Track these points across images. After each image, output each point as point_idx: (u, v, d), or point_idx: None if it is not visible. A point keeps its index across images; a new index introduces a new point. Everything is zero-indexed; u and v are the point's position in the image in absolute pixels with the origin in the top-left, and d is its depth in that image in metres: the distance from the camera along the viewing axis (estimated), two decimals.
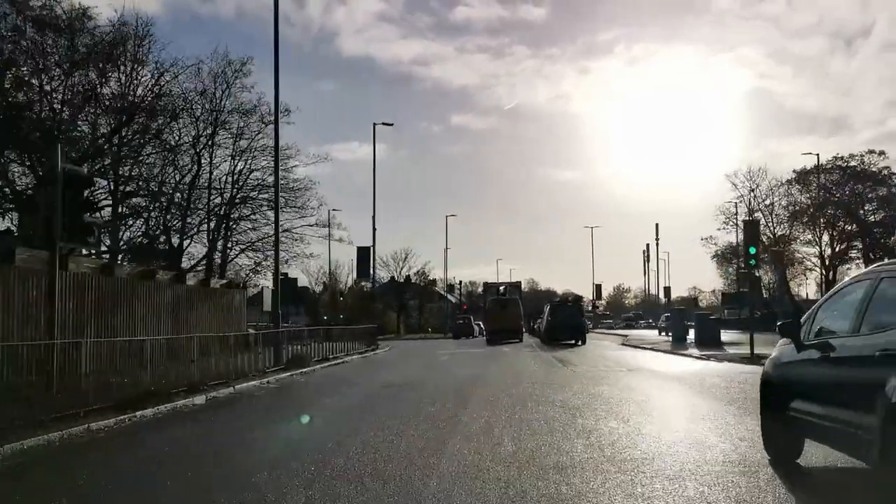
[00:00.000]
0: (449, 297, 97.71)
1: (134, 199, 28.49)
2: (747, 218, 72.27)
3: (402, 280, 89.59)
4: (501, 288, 47.28)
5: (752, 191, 70.28)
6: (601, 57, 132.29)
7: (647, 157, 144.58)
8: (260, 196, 32.43)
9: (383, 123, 46.73)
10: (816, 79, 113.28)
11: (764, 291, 72.70)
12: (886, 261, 6.41)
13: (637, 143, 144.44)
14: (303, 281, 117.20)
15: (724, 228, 72.11)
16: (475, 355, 30.19)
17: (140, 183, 27.01)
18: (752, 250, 23.30)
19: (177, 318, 22.35)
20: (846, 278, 7.60)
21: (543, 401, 12.37)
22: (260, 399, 14.71)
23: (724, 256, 75.92)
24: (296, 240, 33.03)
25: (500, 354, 30.31)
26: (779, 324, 7.17)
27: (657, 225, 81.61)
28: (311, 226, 33.36)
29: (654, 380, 16.89)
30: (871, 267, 6.41)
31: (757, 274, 71.73)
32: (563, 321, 38.80)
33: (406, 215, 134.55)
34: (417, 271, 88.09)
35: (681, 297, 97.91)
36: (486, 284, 49.87)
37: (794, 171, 62.36)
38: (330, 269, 76.02)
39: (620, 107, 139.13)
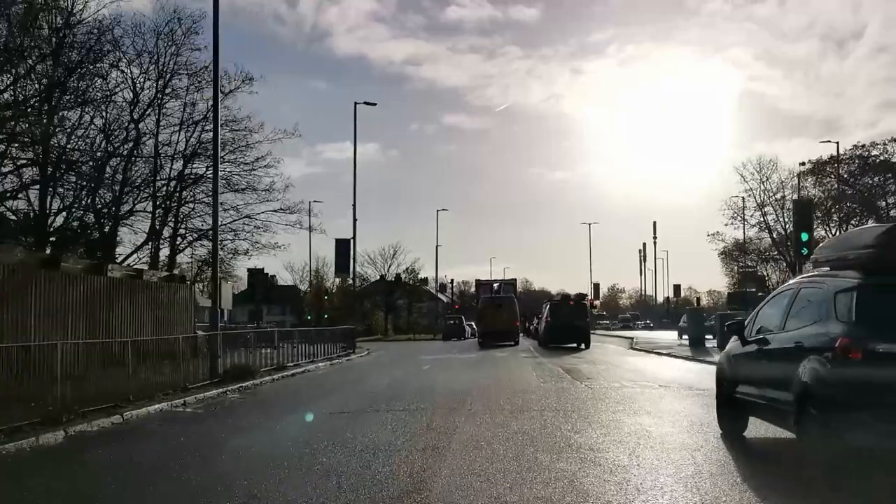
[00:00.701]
0: (441, 296, 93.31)
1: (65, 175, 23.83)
2: (758, 210, 68.78)
3: (392, 279, 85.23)
4: (495, 285, 42.64)
5: (763, 182, 66.36)
6: (594, 57, 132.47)
7: (639, 159, 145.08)
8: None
9: (365, 103, 42.41)
10: (808, 81, 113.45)
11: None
12: (806, 274, 8.12)
13: (629, 144, 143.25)
14: (286, 278, 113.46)
15: (731, 224, 68.19)
16: (464, 362, 25.83)
17: (64, 156, 22.40)
18: (805, 237, 18.93)
19: (92, 318, 17.84)
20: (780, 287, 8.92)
21: (565, 448, 7.98)
22: (150, 435, 10.24)
23: (730, 254, 71.93)
24: (258, 227, 28.49)
25: (494, 361, 25.96)
26: (727, 324, 9.31)
27: (655, 223, 77.39)
28: (276, 211, 28.76)
29: (709, 403, 11.04)
30: (795, 278, 8.40)
31: (761, 272, 68.01)
32: (566, 322, 34.40)
33: (397, 215, 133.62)
34: (407, 269, 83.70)
35: (677, 298, 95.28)
36: (478, 282, 45.01)
37: (808, 160, 58.11)
38: (311, 266, 71.33)
39: (613, 108, 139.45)
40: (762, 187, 66.57)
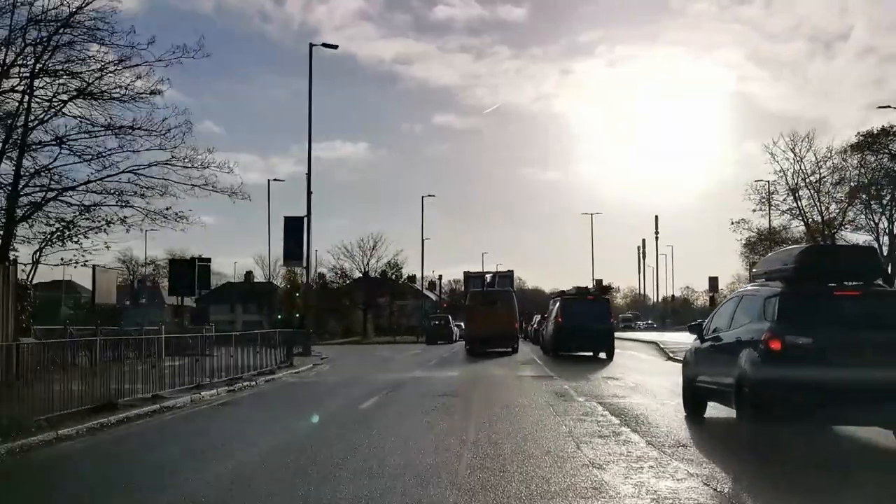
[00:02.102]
0: (430, 294, 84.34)
1: None
2: (791, 194, 59.93)
3: (376, 275, 76.34)
4: (488, 276, 33.48)
5: (797, 162, 57.43)
6: (583, 58, 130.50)
7: (631, 159, 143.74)
8: (73, 112, 18.71)
9: (323, 45, 33.37)
10: (796, 82, 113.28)
11: None
12: (749, 285, 11.42)
13: (621, 144, 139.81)
14: (259, 274, 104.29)
15: (759, 210, 59.26)
16: (441, 384, 17.01)
17: None
18: None
19: None
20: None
21: None
22: None
23: (755, 246, 62.80)
24: (148, 188, 19.20)
25: (486, 383, 17.20)
26: (688, 325, 12.13)
27: (657, 217, 68.65)
28: (170, 163, 19.31)
29: None
30: (739, 289, 12.28)
31: None
32: (583, 323, 25.48)
33: (389, 214, 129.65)
34: (389, 262, 74.57)
35: (673, 297, 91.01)
36: (467, 275, 35.48)
37: (858, 133, 49.30)
38: (269, 257, 62.23)
39: (603, 108, 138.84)
40: (795, 168, 57.96)
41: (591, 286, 30.59)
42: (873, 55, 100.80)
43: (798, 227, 59.89)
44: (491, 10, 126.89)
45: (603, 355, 26.25)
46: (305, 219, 32.61)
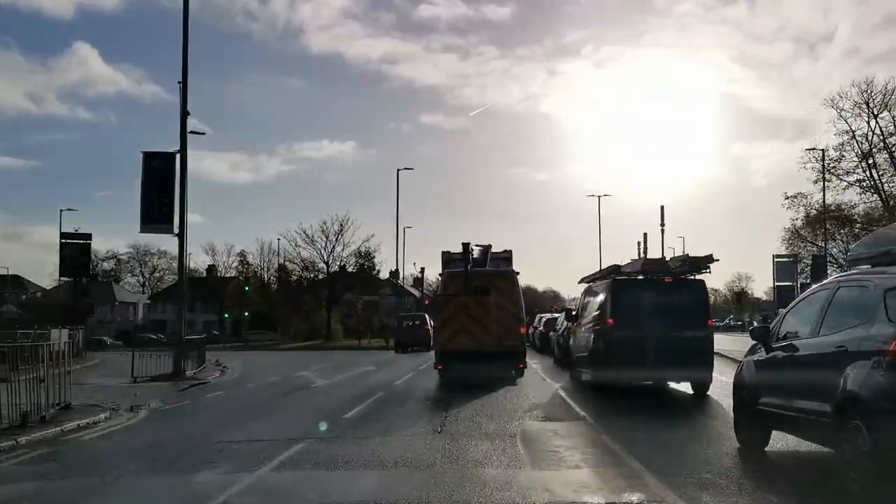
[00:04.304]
0: (414, 291, 71.75)
1: None
2: (862, 161, 47.40)
3: (343, 265, 63.81)
4: (475, 250, 20.28)
5: (871, 119, 44.90)
6: (569, 58, 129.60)
7: (620, 159, 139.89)
8: None
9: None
10: (782, 83, 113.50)
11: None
12: (843, 272, 7.52)
13: (610, 145, 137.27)
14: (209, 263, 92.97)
15: (828, 181, 46.53)
16: None
17: None
18: None
19: None
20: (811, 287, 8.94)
21: None
22: None
23: (813, 223, 50.11)
24: None
25: None
26: (750, 329, 9.67)
27: (662, 207, 57.66)
28: None
29: None
30: (830, 277, 8.39)
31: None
32: (662, 329, 13.07)
33: (376, 214, 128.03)
34: (358, 250, 61.82)
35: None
36: (446, 256, 22.13)
37: None
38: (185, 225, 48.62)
39: (590, 109, 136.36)
40: (869, 128, 45.41)
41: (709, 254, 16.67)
42: (858, 56, 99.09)
43: (869, 202, 47.63)
44: (475, 10, 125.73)
45: (686, 387, 13.78)
46: (178, 156, 19.85)
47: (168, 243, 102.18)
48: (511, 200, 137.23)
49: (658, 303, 13.70)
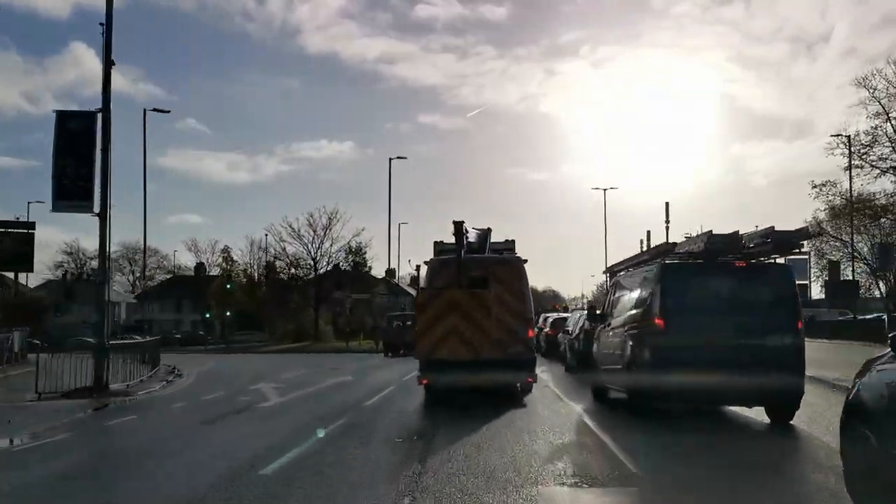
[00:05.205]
0: (411, 290, 67.78)
1: None
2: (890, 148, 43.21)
3: (331, 261, 59.82)
4: (471, 234, 16.26)
5: None
6: (567, 59, 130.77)
7: (620, 160, 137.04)
8: None
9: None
10: (779, 83, 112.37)
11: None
12: None
13: (610, 145, 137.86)
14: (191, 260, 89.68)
15: (860, 167, 42.44)
16: None
17: None
18: None
19: None
20: None
21: None
22: None
23: (838, 216, 45.97)
24: None
25: None
26: (892, 335, 5.23)
27: (667, 204, 53.68)
28: None
29: None
30: None
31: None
32: (733, 332, 9.08)
33: (374, 214, 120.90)
34: (349, 246, 57.71)
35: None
36: (437, 246, 18.05)
37: None
38: (144, 214, 46.25)
39: (588, 109, 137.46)
40: None
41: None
42: (855, 56, 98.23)
43: None
44: (472, 10, 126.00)
45: (761, 414, 9.92)
46: (100, 116, 15.80)
47: (157, 241, 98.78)
48: (510, 200, 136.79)
49: (728, 296, 9.65)
